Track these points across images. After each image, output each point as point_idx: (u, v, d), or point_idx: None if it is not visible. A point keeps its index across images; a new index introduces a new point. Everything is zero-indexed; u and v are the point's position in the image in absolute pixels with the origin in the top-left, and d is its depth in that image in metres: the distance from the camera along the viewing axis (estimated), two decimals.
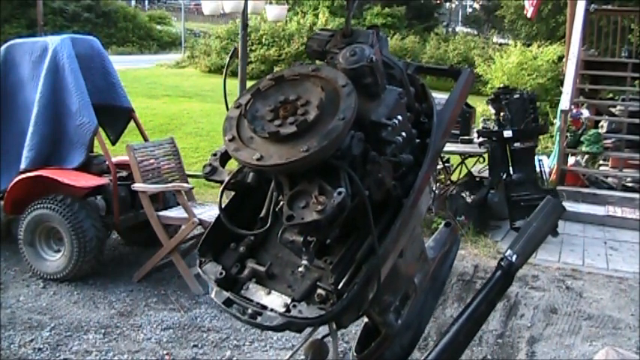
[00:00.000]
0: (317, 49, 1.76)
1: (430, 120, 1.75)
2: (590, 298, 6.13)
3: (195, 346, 4.82)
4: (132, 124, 6.96)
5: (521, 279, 6.40)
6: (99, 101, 6.29)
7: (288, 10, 20.46)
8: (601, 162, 11.44)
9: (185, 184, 6.25)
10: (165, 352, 4.71)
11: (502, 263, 2.11)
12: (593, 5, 13.16)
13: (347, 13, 1.96)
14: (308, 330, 1.71)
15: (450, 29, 43.93)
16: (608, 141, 11.15)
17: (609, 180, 10.77)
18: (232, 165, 1.57)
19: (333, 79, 1.51)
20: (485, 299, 2.09)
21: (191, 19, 45.44)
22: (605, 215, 9.07)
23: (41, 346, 4.69)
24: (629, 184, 10.58)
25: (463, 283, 6.27)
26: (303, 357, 1.79)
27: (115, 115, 6.76)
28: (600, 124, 11.78)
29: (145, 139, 6.87)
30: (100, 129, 6.23)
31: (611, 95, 14.30)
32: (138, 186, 5.93)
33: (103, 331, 4.97)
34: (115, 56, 22.91)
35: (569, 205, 8.86)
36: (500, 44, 29.77)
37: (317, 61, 1.74)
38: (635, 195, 9.81)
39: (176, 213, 6.04)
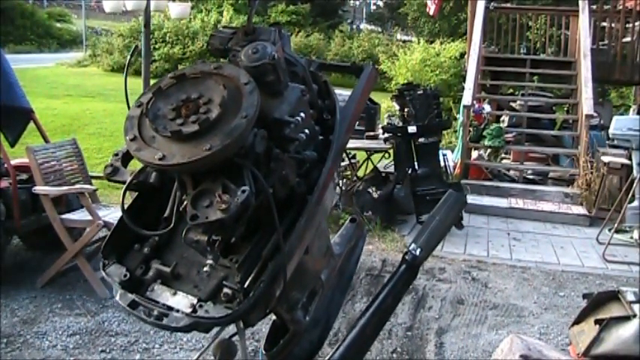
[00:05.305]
0: (219, 47, 1.76)
1: (333, 116, 1.76)
2: (495, 288, 6.31)
3: (103, 351, 4.71)
4: (32, 125, 6.75)
5: (429, 272, 6.54)
6: None
7: (192, 8, 20.26)
8: (503, 155, 11.82)
9: (88, 186, 6.12)
10: (72, 358, 4.59)
11: (406, 257, 2.15)
12: (493, 3, 13.58)
13: (249, 10, 1.96)
14: (217, 330, 1.70)
15: (354, 26, 44.38)
16: (510, 135, 11.53)
17: (511, 173, 11.14)
18: (136, 165, 1.55)
19: (235, 77, 1.50)
20: (390, 293, 2.13)
21: (92, 16, 44.29)
22: (507, 207, 9.35)
23: None
24: (530, 177, 10.97)
25: (372, 278, 6.35)
26: (212, 357, 1.78)
27: (13, 116, 6.52)
28: (501, 119, 12.16)
29: (46, 141, 6.67)
30: None
31: (511, 90, 14.77)
32: (39, 189, 5.77)
33: (5, 340, 4.79)
34: (13, 55, 22.17)
35: (473, 198, 9.12)
36: (404, 41, 30.24)
37: (221, 59, 1.73)
38: (536, 187, 10.17)
39: (80, 216, 5.91)
